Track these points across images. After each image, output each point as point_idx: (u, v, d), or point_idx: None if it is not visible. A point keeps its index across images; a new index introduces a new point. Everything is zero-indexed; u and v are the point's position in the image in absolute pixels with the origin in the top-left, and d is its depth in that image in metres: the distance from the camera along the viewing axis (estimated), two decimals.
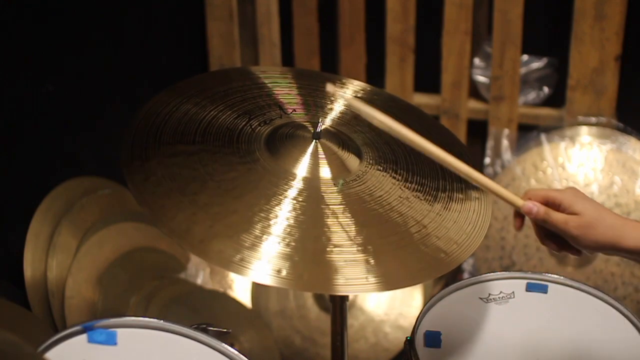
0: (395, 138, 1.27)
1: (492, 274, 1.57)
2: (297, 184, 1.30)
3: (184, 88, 1.46)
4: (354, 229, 1.26)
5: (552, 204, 1.27)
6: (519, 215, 1.30)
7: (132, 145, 1.32)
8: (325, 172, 1.33)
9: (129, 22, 2.30)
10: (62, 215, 2.04)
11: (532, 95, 2.49)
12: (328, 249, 1.22)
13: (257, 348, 2.25)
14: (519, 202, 1.28)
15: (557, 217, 1.25)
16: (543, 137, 2.41)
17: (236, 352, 1.35)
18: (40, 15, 1.97)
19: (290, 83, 1.53)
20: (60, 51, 2.04)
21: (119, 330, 1.32)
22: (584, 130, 2.41)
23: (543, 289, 1.55)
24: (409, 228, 1.29)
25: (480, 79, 2.49)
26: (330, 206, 1.28)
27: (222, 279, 2.40)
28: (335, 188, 1.31)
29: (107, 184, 2.18)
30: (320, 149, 1.34)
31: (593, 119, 2.40)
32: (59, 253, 2.00)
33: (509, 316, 1.49)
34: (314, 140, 1.35)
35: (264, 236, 1.21)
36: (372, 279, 1.20)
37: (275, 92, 1.49)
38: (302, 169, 1.32)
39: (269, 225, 1.23)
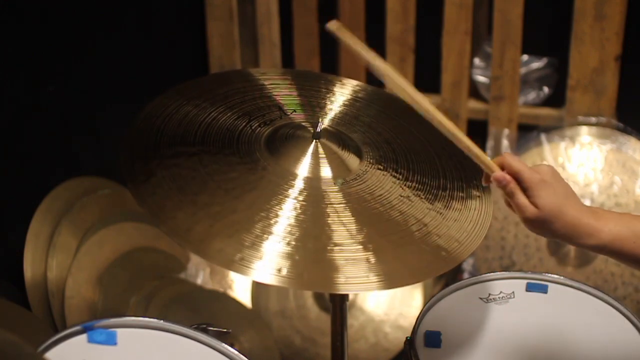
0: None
1: (492, 274, 1.57)
2: (297, 184, 1.30)
3: (184, 90, 1.46)
4: (354, 227, 1.26)
5: (520, 184, 1.24)
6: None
7: (132, 147, 1.32)
8: (325, 171, 1.33)
9: (129, 22, 2.30)
10: (62, 215, 2.04)
11: (532, 95, 2.49)
12: (329, 248, 1.22)
13: (257, 348, 2.25)
14: (494, 168, 1.26)
15: (519, 200, 1.23)
16: (543, 137, 2.41)
17: (236, 352, 1.35)
18: (40, 15, 1.97)
19: (289, 84, 1.54)
20: (61, 51, 2.04)
21: (119, 330, 1.32)
22: (584, 130, 2.41)
23: (543, 289, 1.55)
24: (410, 226, 1.29)
25: (480, 79, 2.49)
26: (331, 205, 1.28)
27: (222, 279, 2.40)
28: (336, 187, 1.31)
29: (107, 184, 2.18)
30: (320, 149, 1.35)
31: (593, 119, 2.40)
32: (59, 253, 1.99)
33: (509, 316, 1.49)
34: (314, 141, 1.35)
35: (265, 235, 1.21)
36: (372, 278, 1.20)
37: (275, 93, 1.49)
38: (302, 168, 1.32)
39: (270, 225, 1.23)
